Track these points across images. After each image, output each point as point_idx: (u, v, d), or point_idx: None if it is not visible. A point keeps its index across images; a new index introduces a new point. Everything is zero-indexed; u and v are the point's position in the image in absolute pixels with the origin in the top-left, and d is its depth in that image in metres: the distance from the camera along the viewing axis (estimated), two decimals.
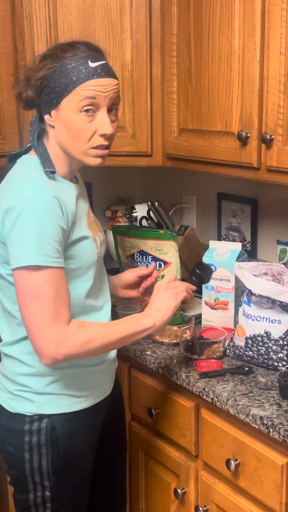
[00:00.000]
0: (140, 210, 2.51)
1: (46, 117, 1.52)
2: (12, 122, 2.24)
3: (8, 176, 1.55)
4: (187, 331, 1.96)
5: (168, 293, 1.62)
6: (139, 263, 2.07)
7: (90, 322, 1.53)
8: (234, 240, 2.51)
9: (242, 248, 2.07)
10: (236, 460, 1.62)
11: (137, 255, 2.07)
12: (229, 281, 1.95)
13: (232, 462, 1.62)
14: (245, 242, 2.46)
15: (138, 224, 2.44)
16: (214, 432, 1.69)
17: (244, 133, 1.83)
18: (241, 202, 2.45)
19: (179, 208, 2.73)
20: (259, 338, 1.75)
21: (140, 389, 1.95)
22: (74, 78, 1.46)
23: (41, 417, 1.55)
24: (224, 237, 2.57)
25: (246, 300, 1.79)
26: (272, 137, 1.75)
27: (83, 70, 1.46)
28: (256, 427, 1.53)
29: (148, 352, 1.90)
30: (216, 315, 1.99)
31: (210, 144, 1.99)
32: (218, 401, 1.64)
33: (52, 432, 1.55)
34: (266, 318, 1.74)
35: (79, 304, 1.55)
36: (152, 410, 1.88)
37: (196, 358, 1.81)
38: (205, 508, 1.74)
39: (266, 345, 1.75)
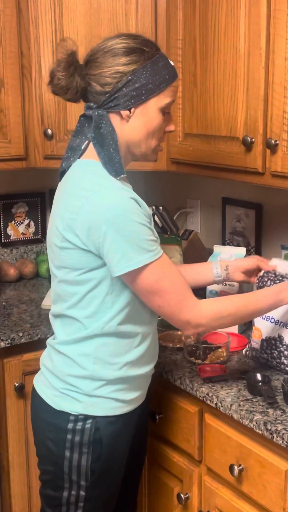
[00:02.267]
0: None
1: (124, 112, 1.49)
2: (17, 126, 2.25)
3: (73, 182, 1.52)
4: (191, 335, 1.96)
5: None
6: None
7: (222, 297, 1.65)
8: (238, 245, 2.51)
9: (246, 253, 2.08)
10: (240, 465, 1.62)
11: None
12: (233, 286, 1.96)
13: (235, 467, 1.61)
14: (250, 247, 2.46)
15: None
16: (217, 437, 1.69)
17: (249, 138, 1.83)
18: (246, 207, 2.45)
19: (184, 212, 2.74)
20: (273, 341, 1.76)
21: None
22: (167, 77, 1.50)
23: (86, 417, 1.55)
24: (228, 241, 2.57)
25: None
26: (277, 142, 1.75)
27: (171, 69, 1.52)
28: (260, 432, 1.53)
29: None
30: None
31: (215, 149, 1.99)
32: (222, 406, 1.64)
33: (96, 432, 1.55)
34: (282, 322, 1.75)
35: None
36: (156, 414, 1.88)
37: (200, 363, 1.80)
38: None
39: (279, 349, 1.75)
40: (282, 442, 1.47)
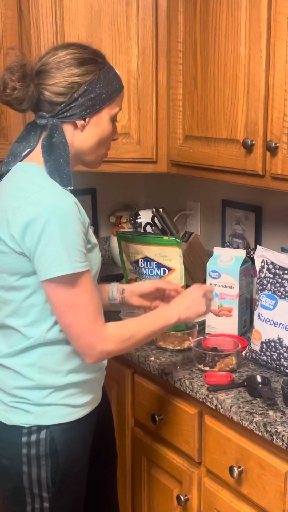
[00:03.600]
0: (145, 216, 2.52)
1: (79, 122, 1.50)
2: (18, 128, 2.24)
3: (14, 184, 1.48)
4: (190, 337, 1.96)
5: (203, 299, 1.67)
6: (143, 269, 2.08)
7: (123, 321, 1.62)
8: (238, 247, 2.52)
9: (246, 255, 2.08)
10: (239, 467, 1.62)
11: (141, 261, 2.08)
12: (233, 288, 1.96)
13: (235, 469, 1.62)
14: (249, 249, 2.47)
15: (142, 230, 2.45)
16: (217, 439, 1.69)
17: (249, 141, 1.83)
18: (246, 209, 2.46)
19: (184, 214, 2.74)
20: (272, 344, 1.76)
21: (144, 395, 1.96)
22: (117, 87, 1.54)
23: (39, 428, 1.51)
24: (228, 244, 2.57)
25: (264, 304, 1.80)
26: (277, 145, 1.76)
27: (119, 79, 1.56)
28: (260, 434, 1.54)
29: (152, 358, 1.90)
30: (219, 322, 2.00)
31: (215, 151, 2.00)
32: (221, 408, 1.64)
33: (52, 442, 1.52)
34: (281, 324, 1.75)
35: None
36: (156, 416, 1.88)
37: (209, 370, 1.79)
38: None
39: (278, 351, 1.75)
40: (282, 443, 1.48)
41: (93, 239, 1.54)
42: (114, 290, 1.76)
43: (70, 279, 1.41)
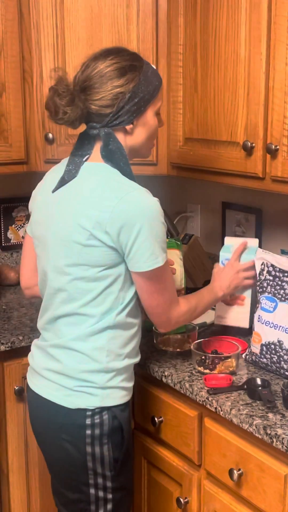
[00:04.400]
0: None
1: (128, 126, 1.59)
2: (18, 130, 2.25)
3: (98, 182, 1.56)
4: (190, 340, 1.96)
5: (238, 276, 1.90)
6: None
7: (187, 296, 1.78)
8: None
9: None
10: (239, 469, 1.62)
11: None
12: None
13: (235, 471, 1.62)
14: None
15: None
16: (217, 442, 1.69)
17: (249, 143, 1.83)
18: (246, 211, 2.46)
19: (184, 216, 2.74)
20: (272, 346, 1.76)
21: (143, 398, 1.96)
22: (157, 83, 1.61)
23: (102, 409, 1.60)
24: None
25: (264, 307, 1.80)
26: (277, 147, 1.76)
27: (156, 74, 1.63)
28: (259, 437, 1.53)
29: (152, 361, 1.90)
30: (230, 311, 1.99)
31: (215, 154, 2.00)
32: (221, 411, 1.64)
33: (114, 421, 1.61)
34: (281, 327, 1.75)
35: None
36: (155, 418, 1.88)
37: (209, 373, 1.79)
38: None
39: (278, 354, 1.75)
40: (282, 446, 1.48)
41: None
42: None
43: (161, 269, 1.57)
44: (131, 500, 1.78)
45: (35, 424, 1.73)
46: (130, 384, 1.69)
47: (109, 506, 1.65)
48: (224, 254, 1.98)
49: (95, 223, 1.52)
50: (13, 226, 2.76)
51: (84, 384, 1.60)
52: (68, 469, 1.64)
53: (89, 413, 1.59)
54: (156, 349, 1.97)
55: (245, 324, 1.98)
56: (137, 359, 1.71)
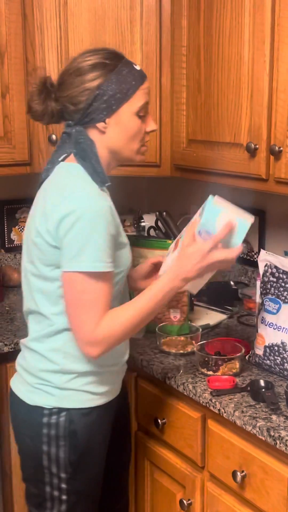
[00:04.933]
0: (148, 220, 2.51)
1: (100, 124, 1.56)
2: (22, 132, 2.25)
3: (56, 182, 1.57)
4: (193, 341, 1.96)
5: (209, 257, 1.53)
6: None
7: (119, 308, 1.56)
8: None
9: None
10: (243, 471, 1.61)
11: None
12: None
13: (238, 473, 1.61)
14: (253, 253, 2.47)
15: (146, 234, 2.45)
16: (220, 443, 1.69)
17: (253, 145, 1.83)
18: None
19: (187, 218, 2.73)
20: (276, 348, 1.76)
21: (147, 399, 1.96)
22: (133, 83, 1.56)
23: (59, 410, 1.59)
24: None
25: (267, 308, 1.80)
26: (281, 149, 1.76)
27: (136, 74, 1.57)
28: (263, 438, 1.53)
29: (155, 362, 1.90)
30: None
31: (219, 155, 2.00)
32: (225, 412, 1.64)
33: (71, 425, 1.59)
34: (285, 328, 1.75)
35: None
36: (159, 420, 1.88)
37: (212, 374, 1.79)
38: None
39: (282, 356, 1.75)
40: (285, 448, 1.47)
41: (124, 239, 1.62)
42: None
43: (89, 277, 1.47)
44: (92, 507, 1.71)
45: (10, 416, 1.74)
46: (101, 389, 1.62)
47: (63, 507, 1.64)
48: (207, 222, 1.53)
49: (40, 221, 1.53)
50: (17, 227, 2.76)
51: (42, 382, 1.60)
52: (29, 463, 1.66)
53: (46, 412, 1.59)
54: (160, 350, 1.97)
55: (194, 291, 1.70)
56: (113, 367, 1.65)
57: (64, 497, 1.63)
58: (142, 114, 1.59)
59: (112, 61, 1.55)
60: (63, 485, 1.62)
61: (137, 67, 1.59)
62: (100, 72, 1.53)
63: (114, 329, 1.52)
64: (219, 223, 1.53)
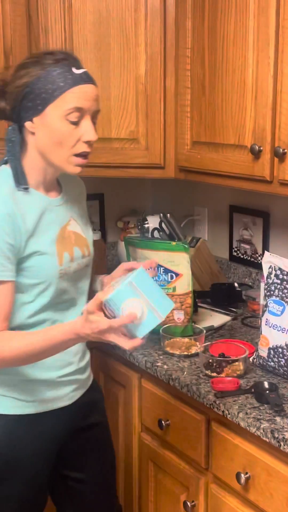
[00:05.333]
0: (152, 222, 2.52)
1: (28, 123, 1.50)
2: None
3: None
4: (197, 343, 1.96)
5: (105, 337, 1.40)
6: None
7: (14, 333, 1.49)
8: (245, 252, 2.52)
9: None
10: (246, 473, 1.61)
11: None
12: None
13: (242, 475, 1.61)
14: (257, 255, 2.47)
15: (150, 236, 2.45)
16: (224, 445, 1.69)
17: (257, 147, 1.83)
18: (253, 214, 2.46)
19: (191, 220, 2.74)
20: (280, 350, 1.76)
21: (151, 400, 1.96)
22: (62, 84, 1.47)
23: None
24: (235, 249, 2.57)
25: (271, 310, 1.80)
26: (285, 151, 1.76)
27: (69, 76, 1.48)
28: (267, 440, 1.53)
29: (159, 364, 1.90)
30: None
31: (223, 157, 2.00)
32: (229, 414, 1.64)
33: None
34: None
35: (31, 317, 1.56)
36: (162, 421, 1.88)
37: (216, 376, 1.78)
38: None
39: (286, 357, 1.75)
40: None
41: (41, 247, 1.53)
42: (98, 284, 1.76)
43: None
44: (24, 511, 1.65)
45: None
46: (28, 398, 1.58)
47: None
48: (115, 300, 1.36)
49: None
50: None
51: None
52: None
53: None
54: (163, 352, 1.98)
55: (139, 335, 1.42)
56: (42, 376, 1.59)
57: None
58: (75, 119, 1.48)
59: (46, 60, 1.49)
60: None
61: (78, 71, 1.49)
62: (31, 70, 1.48)
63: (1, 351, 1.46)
64: (126, 307, 1.36)
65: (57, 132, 1.49)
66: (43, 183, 1.58)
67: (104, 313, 1.38)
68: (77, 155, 1.51)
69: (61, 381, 1.64)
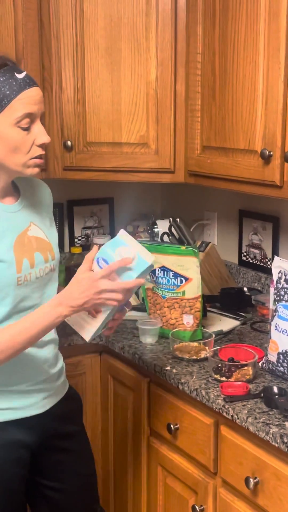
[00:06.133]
0: (162, 226, 2.52)
1: None
2: None
3: None
4: (206, 347, 1.96)
5: (96, 292, 1.47)
6: (160, 278, 2.08)
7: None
8: (255, 257, 2.51)
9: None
10: (255, 478, 1.61)
11: (158, 270, 2.08)
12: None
13: (251, 480, 1.61)
14: (266, 260, 2.46)
15: (159, 240, 2.45)
16: (233, 449, 1.68)
17: (267, 152, 1.84)
18: (263, 219, 2.46)
19: (200, 224, 2.74)
20: None
21: (159, 404, 1.96)
22: (8, 92, 1.45)
23: None
24: (245, 254, 2.57)
25: (281, 315, 1.79)
26: None
27: (14, 83, 1.46)
28: (276, 445, 1.53)
29: (168, 368, 1.90)
30: (80, 314, 1.59)
31: (233, 162, 2.00)
32: (238, 418, 1.63)
33: None
34: None
35: None
36: (171, 425, 1.88)
37: (225, 380, 1.78)
38: None
39: None
40: None
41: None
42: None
43: None
44: None
45: None
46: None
47: None
48: (107, 251, 1.51)
49: None
50: None
51: None
52: None
53: None
54: (173, 356, 1.98)
55: (86, 337, 1.59)
56: (1, 385, 1.56)
57: None
58: (26, 125, 1.47)
59: None
60: None
61: (20, 75, 1.47)
62: None
63: None
64: (117, 255, 1.49)
65: (10, 140, 1.47)
66: None
67: None
68: (34, 157, 1.51)
69: (30, 389, 1.62)
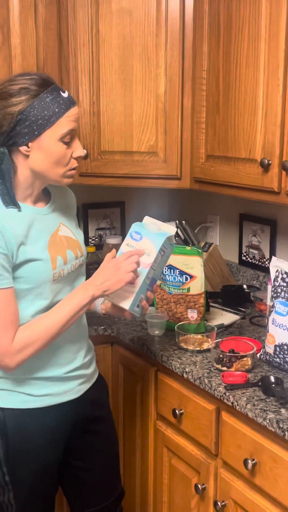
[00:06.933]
0: None
1: (23, 148, 1.48)
2: None
3: None
4: (209, 339, 1.96)
5: (118, 269, 1.54)
6: (167, 276, 2.08)
7: (30, 324, 1.52)
8: (254, 258, 2.51)
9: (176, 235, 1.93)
10: (253, 460, 1.61)
11: (166, 268, 2.08)
12: (149, 255, 1.63)
13: (249, 461, 1.61)
14: (264, 259, 2.46)
15: None
16: (233, 433, 1.69)
17: (266, 161, 1.83)
18: (261, 222, 2.46)
19: (204, 226, 2.74)
20: (285, 347, 1.75)
21: (166, 391, 1.96)
22: (56, 110, 1.47)
23: None
24: (244, 254, 2.57)
25: (277, 310, 1.79)
26: None
27: (61, 102, 1.48)
28: (273, 430, 1.53)
29: (174, 358, 1.91)
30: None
31: (235, 170, 2.00)
32: (237, 405, 1.64)
33: (3, 425, 1.55)
34: None
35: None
36: (176, 411, 1.88)
37: (226, 370, 1.79)
38: (223, 503, 1.74)
39: None
40: None
41: (34, 254, 1.52)
42: (98, 304, 1.76)
43: None
44: (39, 498, 1.65)
45: None
46: (39, 392, 1.57)
47: (11, 495, 1.60)
48: (136, 227, 1.64)
49: None
50: None
51: None
52: None
53: None
54: (178, 347, 1.98)
55: (126, 305, 1.60)
56: (47, 372, 1.58)
57: (9, 486, 1.59)
58: (68, 140, 1.50)
59: (37, 87, 1.46)
60: (7, 477, 1.58)
61: (65, 94, 1.49)
62: (23, 97, 1.45)
63: (29, 341, 1.48)
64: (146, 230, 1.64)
65: (54, 154, 1.50)
66: (30, 196, 1.56)
67: None
68: (71, 169, 1.55)
69: (67, 377, 1.63)
